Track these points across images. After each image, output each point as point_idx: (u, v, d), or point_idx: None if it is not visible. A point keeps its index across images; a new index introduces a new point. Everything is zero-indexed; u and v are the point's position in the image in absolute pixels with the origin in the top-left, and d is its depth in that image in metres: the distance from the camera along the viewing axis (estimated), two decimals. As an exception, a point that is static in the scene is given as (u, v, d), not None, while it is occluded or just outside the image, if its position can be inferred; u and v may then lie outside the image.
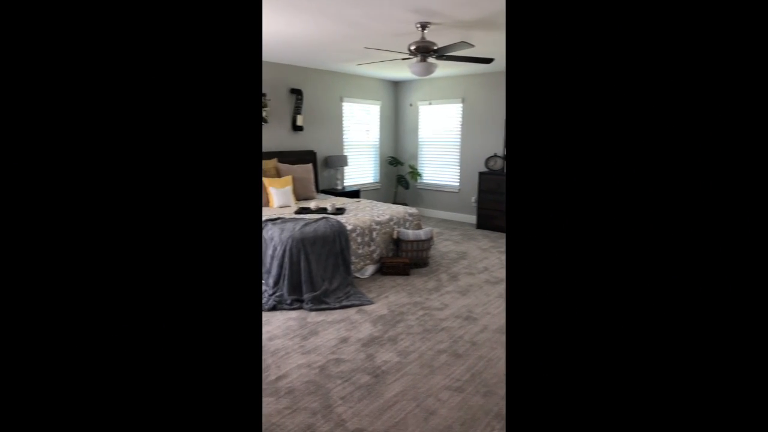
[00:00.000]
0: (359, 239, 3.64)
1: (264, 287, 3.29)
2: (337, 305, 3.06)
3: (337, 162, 5.54)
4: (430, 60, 4.23)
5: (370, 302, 3.15)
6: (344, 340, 2.57)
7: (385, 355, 2.39)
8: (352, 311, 3.00)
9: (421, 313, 2.98)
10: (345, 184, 5.91)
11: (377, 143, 6.41)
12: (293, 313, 2.96)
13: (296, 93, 5.08)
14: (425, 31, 3.16)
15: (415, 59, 3.68)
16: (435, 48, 3.12)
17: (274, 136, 4.99)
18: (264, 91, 4.77)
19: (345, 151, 5.92)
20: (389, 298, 3.24)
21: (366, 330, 2.71)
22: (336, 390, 2.06)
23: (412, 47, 3.13)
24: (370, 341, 2.56)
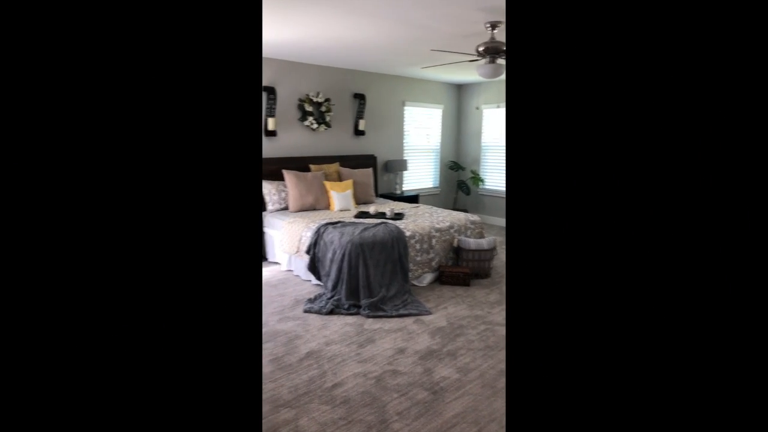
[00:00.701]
0: (418, 246, 3.55)
1: (323, 290, 3.31)
2: (395, 313, 2.99)
3: (397, 166, 5.50)
4: (500, 61, 4.05)
5: (429, 312, 3.04)
6: (401, 351, 2.49)
7: (444, 371, 2.28)
8: (409, 320, 2.92)
9: (482, 327, 2.83)
10: (404, 189, 5.86)
11: (438, 147, 6.29)
12: (350, 319, 2.94)
13: (359, 98, 5.12)
14: (495, 31, 3.01)
15: (483, 61, 3.54)
16: (505, 48, 2.96)
17: (336, 141, 5.06)
18: (328, 96, 4.85)
19: (405, 155, 5.87)
20: (448, 309, 3.11)
21: (424, 342, 2.61)
22: (392, 404, 1.99)
23: (481, 48, 3.00)
24: (428, 354, 2.46)
